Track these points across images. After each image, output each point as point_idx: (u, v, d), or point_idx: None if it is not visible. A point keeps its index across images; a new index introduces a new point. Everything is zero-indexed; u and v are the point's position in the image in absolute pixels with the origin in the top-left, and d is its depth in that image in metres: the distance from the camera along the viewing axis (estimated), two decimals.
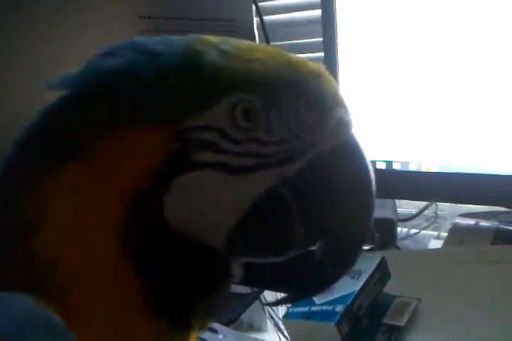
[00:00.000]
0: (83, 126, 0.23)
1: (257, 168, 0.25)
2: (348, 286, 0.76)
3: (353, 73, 1.03)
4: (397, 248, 1.03)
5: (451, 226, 0.98)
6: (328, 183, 0.26)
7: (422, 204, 1.21)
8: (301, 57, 0.25)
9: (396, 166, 1.02)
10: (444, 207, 1.22)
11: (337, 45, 1.04)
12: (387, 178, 1.03)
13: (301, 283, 0.30)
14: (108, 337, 0.23)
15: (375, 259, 0.80)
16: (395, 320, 0.76)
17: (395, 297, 0.80)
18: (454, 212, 1.13)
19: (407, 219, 1.19)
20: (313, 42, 1.28)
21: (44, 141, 0.23)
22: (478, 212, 1.02)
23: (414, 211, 1.21)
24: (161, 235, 0.24)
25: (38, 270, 0.23)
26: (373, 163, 1.03)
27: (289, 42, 1.34)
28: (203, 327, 0.27)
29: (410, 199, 1.16)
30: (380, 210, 1.10)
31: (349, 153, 0.27)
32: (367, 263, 0.80)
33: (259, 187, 0.26)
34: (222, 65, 0.22)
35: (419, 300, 0.77)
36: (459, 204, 1.20)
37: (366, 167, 0.27)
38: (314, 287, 0.30)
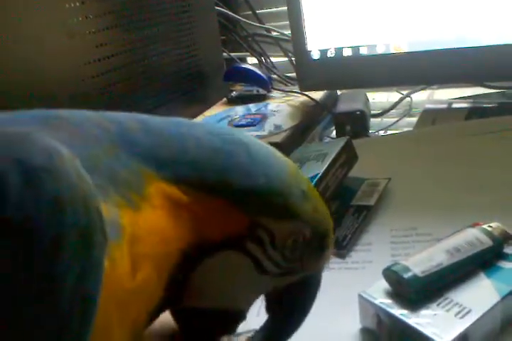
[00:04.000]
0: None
1: (271, 274, 0.31)
2: (312, 169, 0.71)
3: None
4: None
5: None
6: (297, 298, 0.34)
7: (396, 99, 1.15)
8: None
9: (363, 51, 0.94)
10: (419, 101, 1.17)
11: None
12: (354, 66, 0.96)
13: None
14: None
15: (341, 141, 0.75)
16: (364, 200, 0.72)
17: (364, 180, 0.76)
18: None
19: (380, 113, 1.13)
20: None
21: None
22: (450, 99, 0.96)
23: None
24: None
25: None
26: (339, 50, 0.96)
27: None
28: None
29: (381, 86, 1.10)
30: (351, 103, 1.05)
31: (317, 280, 0.35)
32: (332, 147, 0.75)
33: (266, 289, 0.33)
34: (301, 203, 0.30)
35: (389, 179, 0.73)
36: (432, 98, 1.14)
37: (319, 288, 0.35)
38: None
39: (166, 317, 0.33)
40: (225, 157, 0.30)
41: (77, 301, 0.20)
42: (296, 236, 0.31)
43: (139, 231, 0.26)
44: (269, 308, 0.35)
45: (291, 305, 0.35)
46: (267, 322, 0.36)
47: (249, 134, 0.35)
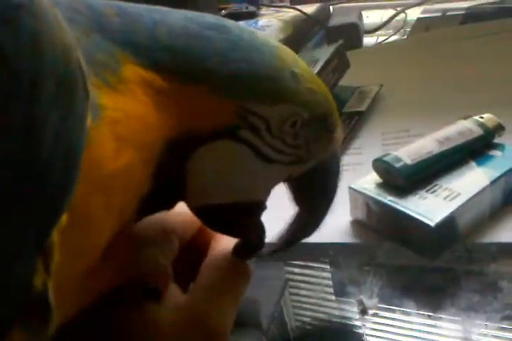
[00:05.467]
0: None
1: (275, 162, 0.30)
2: None
3: None
4: None
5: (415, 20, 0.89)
6: (316, 184, 0.33)
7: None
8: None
9: None
10: (413, 18, 1.13)
11: None
12: None
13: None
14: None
15: (332, 47, 0.73)
16: (356, 107, 0.71)
17: (356, 88, 0.75)
18: None
19: (374, 30, 1.10)
20: None
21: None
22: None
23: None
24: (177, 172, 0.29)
25: None
26: None
27: None
28: None
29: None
30: (344, 17, 1.01)
31: (335, 162, 0.33)
32: (323, 52, 0.73)
33: (279, 178, 0.31)
34: (292, 86, 0.29)
35: (381, 85, 0.72)
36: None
37: (339, 173, 0.33)
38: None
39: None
40: (202, 43, 0.29)
41: (58, 151, 0.20)
42: (293, 121, 0.30)
43: (118, 113, 0.26)
44: (293, 199, 0.34)
45: (312, 192, 0.33)
46: (295, 214, 0.35)
47: (234, 21, 0.33)
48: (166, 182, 0.29)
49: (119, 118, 0.25)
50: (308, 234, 0.34)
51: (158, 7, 0.31)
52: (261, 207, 0.32)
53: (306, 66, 0.32)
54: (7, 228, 0.18)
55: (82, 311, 0.27)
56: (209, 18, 0.31)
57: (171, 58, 0.28)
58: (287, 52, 0.31)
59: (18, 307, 0.19)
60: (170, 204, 0.31)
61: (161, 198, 0.29)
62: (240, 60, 0.29)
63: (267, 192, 0.32)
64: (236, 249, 0.33)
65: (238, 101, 0.29)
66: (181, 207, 0.31)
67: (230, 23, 0.31)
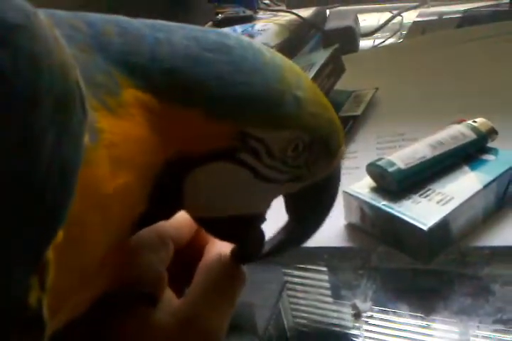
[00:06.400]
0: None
1: (274, 181, 0.30)
2: None
3: None
4: None
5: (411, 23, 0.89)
6: (312, 200, 0.33)
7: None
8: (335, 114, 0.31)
9: None
10: (410, 21, 1.14)
11: None
12: None
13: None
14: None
15: (328, 51, 0.73)
16: (351, 110, 0.71)
17: (351, 92, 0.75)
18: None
19: (371, 32, 1.10)
20: None
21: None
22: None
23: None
24: (173, 194, 0.29)
25: None
26: None
27: None
28: None
29: (370, 2, 1.07)
30: (340, 20, 1.02)
31: (334, 179, 0.33)
32: (319, 56, 0.73)
33: (277, 194, 0.31)
34: (294, 111, 0.29)
35: (376, 89, 0.72)
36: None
37: (338, 190, 0.33)
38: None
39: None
40: (202, 65, 0.29)
41: (55, 167, 0.20)
42: (295, 144, 0.30)
43: (116, 137, 0.26)
44: (287, 211, 0.34)
45: (307, 207, 0.33)
46: (286, 224, 0.35)
47: (240, 36, 0.32)
48: (164, 199, 0.29)
49: (117, 141, 0.26)
50: (297, 245, 0.34)
51: (163, 23, 0.31)
52: (260, 218, 0.32)
53: (311, 85, 0.31)
54: (2, 245, 0.18)
55: (79, 316, 0.28)
56: (212, 36, 0.30)
57: (169, 81, 0.28)
58: (292, 71, 0.30)
59: (12, 324, 0.19)
60: (168, 216, 0.31)
61: (158, 212, 0.29)
62: (240, 84, 0.29)
63: (266, 206, 0.32)
64: (233, 254, 0.33)
65: (237, 125, 0.29)
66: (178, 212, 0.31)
67: (233, 41, 0.31)
